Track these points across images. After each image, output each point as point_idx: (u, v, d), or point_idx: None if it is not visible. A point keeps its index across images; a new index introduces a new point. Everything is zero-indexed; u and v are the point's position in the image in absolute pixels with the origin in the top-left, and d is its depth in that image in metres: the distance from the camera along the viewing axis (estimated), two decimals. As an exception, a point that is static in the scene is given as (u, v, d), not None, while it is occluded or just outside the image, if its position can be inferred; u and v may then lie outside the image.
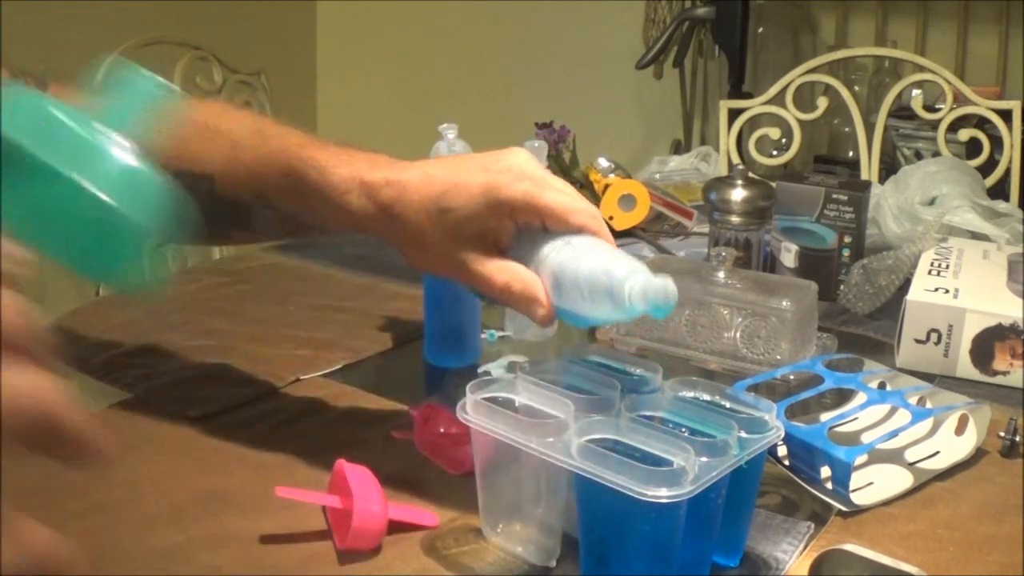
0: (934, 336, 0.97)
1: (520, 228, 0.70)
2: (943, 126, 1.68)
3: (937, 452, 0.80)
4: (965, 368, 0.96)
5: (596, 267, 0.65)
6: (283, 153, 0.75)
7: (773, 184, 1.17)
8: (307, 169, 0.73)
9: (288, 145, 0.75)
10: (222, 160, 0.77)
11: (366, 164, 0.73)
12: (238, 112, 0.81)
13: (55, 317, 1.05)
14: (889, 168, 1.80)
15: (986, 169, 1.60)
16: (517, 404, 0.66)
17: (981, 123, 1.71)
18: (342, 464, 0.68)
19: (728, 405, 0.66)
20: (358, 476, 0.67)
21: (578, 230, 0.68)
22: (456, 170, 0.70)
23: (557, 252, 0.68)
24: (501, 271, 0.69)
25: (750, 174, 1.17)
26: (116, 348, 0.96)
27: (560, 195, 0.69)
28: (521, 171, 0.70)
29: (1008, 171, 1.65)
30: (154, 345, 0.97)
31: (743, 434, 0.62)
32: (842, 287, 1.13)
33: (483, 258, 0.70)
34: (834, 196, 1.13)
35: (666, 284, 0.62)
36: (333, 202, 0.73)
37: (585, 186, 1.39)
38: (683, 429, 0.63)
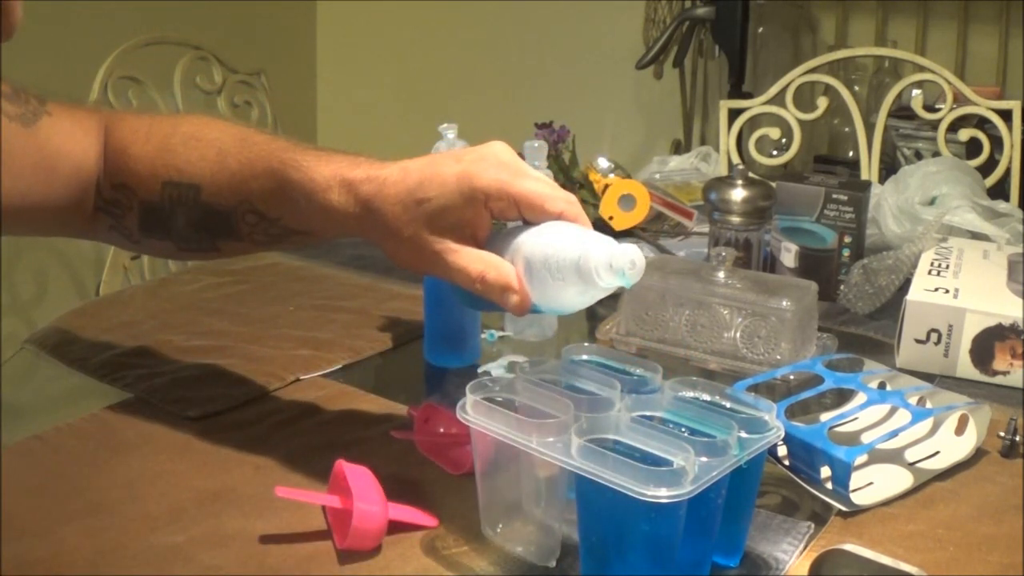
0: (934, 336, 0.97)
1: (496, 220, 0.71)
2: (943, 126, 1.68)
3: (937, 452, 0.80)
4: (965, 368, 0.96)
5: (563, 245, 0.66)
6: (266, 157, 0.76)
7: (773, 184, 1.17)
8: (289, 170, 0.74)
9: (271, 149, 0.76)
10: (208, 168, 0.78)
11: (347, 163, 0.74)
12: (222, 122, 0.82)
13: (55, 317, 1.05)
14: (889, 168, 1.80)
15: (986, 169, 1.60)
16: (517, 404, 0.66)
17: (981, 123, 1.70)
18: (342, 464, 0.68)
19: (728, 405, 0.66)
20: (358, 476, 0.67)
21: (556, 217, 0.69)
22: (432, 163, 0.71)
23: (529, 239, 0.68)
24: (475, 261, 0.69)
25: (750, 174, 1.17)
26: (116, 348, 0.96)
27: (535, 183, 0.70)
28: (496, 159, 0.70)
29: (1008, 171, 1.65)
30: (154, 345, 0.97)
31: (743, 434, 0.62)
32: (842, 287, 1.13)
33: (459, 249, 0.70)
34: (834, 196, 1.13)
35: (628, 250, 0.63)
36: (315, 201, 0.73)
37: (585, 186, 1.39)
38: (683, 429, 0.63)
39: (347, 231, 0.75)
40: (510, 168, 0.70)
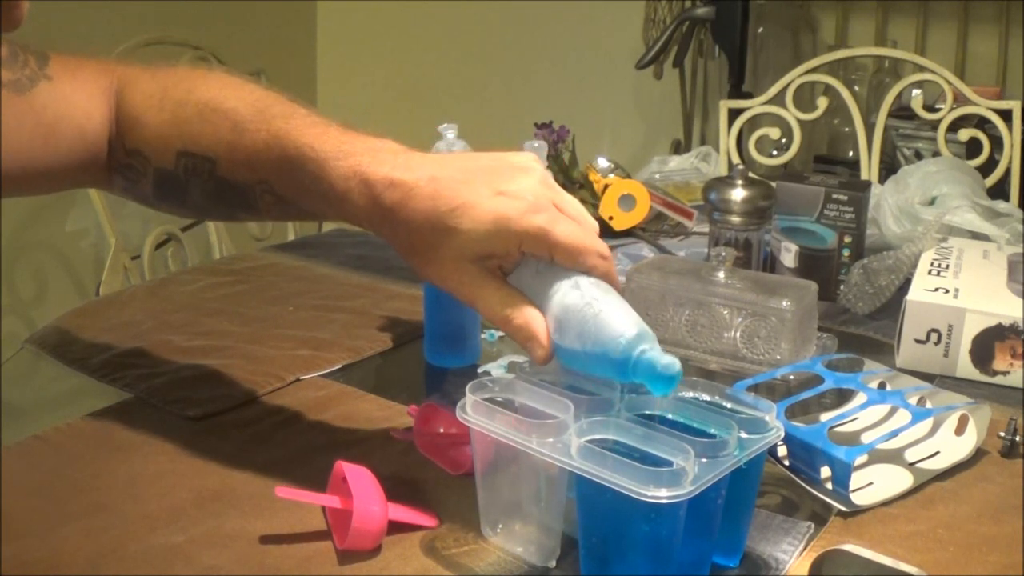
0: (934, 336, 0.97)
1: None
2: (943, 126, 1.68)
3: (937, 452, 0.80)
4: (965, 368, 0.96)
5: (604, 323, 0.64)
6: (282, 139, 0.72)
7: (773, 184, 1.17)
8: (305, 161, 0.71)
9: (288, 130, 0.73)
10: (223, 143, 0.74)
11: (368, 156, 0.70)
12: (243, 86, 0.78)
13: (55, 317, 1.05)
14: (889, 168, 1.80)
15: (986, 169, 1.60)
16: (517, 404, 0.66)
17: (981, 123, 1.71)
18: (342, 464, 0.68)
19: (728, 405, 0.66)
20: (358, 476, 0.67)
21: (586, 270, 0.67)
22: (466, 186, 0.67)
23: (564, 295, 0.66)
24: (503, 303, 0.67)
25: (750, 174, 1.17)
26: (116, 348, 0.96)
27: (572, 229, 0.67)
28: (535, 197, 0.67)
29: (1008, 171, 1.66)
30: (154, 345, 0.97)
31: (743, 434, 0.62)
32: (842, 287, 1.13)
33: (486, 283, 0.68)
34: (834, 196, 1.13)
35: (672, 363, 0.61)
36: (332, 199, 0.71)
37: (585, 186, 1.39)
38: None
39: (366, 228, 0.72)
40: (549, 212, 0.67)
